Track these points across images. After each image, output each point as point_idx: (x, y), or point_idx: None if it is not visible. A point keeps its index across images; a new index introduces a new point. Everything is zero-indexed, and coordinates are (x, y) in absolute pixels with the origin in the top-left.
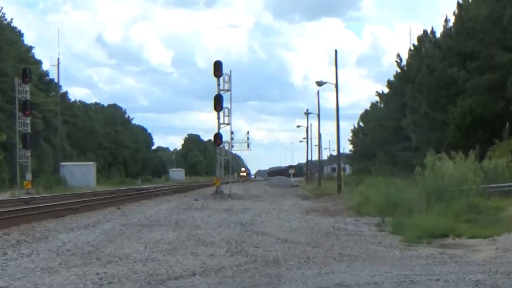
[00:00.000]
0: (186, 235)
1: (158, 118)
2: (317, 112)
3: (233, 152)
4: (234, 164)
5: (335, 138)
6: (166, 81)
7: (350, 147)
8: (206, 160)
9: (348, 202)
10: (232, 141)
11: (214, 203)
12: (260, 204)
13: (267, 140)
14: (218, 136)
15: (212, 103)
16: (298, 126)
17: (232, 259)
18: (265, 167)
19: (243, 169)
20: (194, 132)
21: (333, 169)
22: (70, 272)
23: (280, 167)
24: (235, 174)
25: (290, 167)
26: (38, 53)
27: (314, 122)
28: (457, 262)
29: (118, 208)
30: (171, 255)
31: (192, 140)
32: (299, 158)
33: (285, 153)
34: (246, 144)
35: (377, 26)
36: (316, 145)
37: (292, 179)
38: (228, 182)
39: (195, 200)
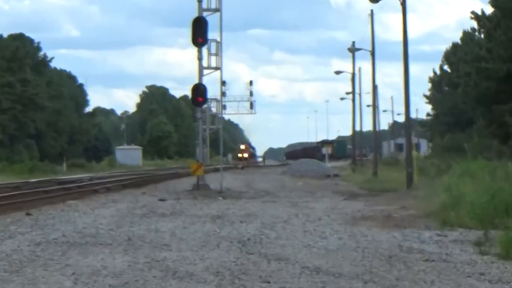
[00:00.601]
0: (145, 261)
1: (96, 58)
2: (370, 49)
3: (226, 117)
4: (228, 139)
5: (402, 94)
6: None
7: (428, 108)
8: (179, 131)
9: (425, 203)
10: (224, 99)
11: (194, 206)
12: (273, 207)
13: (284, 97)
14: (199, 90)
15: (189, 32)
16: (337, 73)
17: None
18: (281, 143)
19: (242, 146)
20: (158, 83)
21: (399, 147)
22: None
23: (307, 143)
24: (230, 156)
25: (324, 143)
26: None
27: (364, 65)
28: None
29: (28, 215)
30: None
31: (155, 97)
32: (340, 128)
33: (315, 119)
34: (248, 104)
35: None
36: (368, 106)
37: (328, 164)
38: (218, 170)
39: (161, 200)
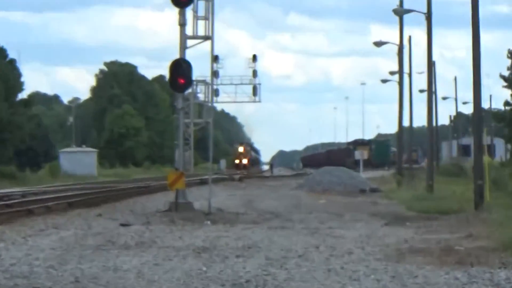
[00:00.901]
0: None
1: (35, 23)
2: (425, 10)
3: (219, 106)
4: (221, 138)
5: (470, 74)
6: None
7: (507, 94)
8: (152, 127)
9: (501, 230)
10: (216, 81)
11: (171, 234)
12: (283, 235)
13: (302, 79)
14: (181, 68)
15: None
16: (377, 44)
17: None
18: (297, 145)
19: (241, 148)
20: (123, 59)
21: (465, 149)
22: None
23: (334, 144)
24: (223, 162)
25: (358, 144)
26: None
27: (416, 34)
28: None
29: None
30: None
31: (118, 78)
32: (380, 122)
33: (345, 110)
34: (250, 88)
35: None
36: (422, 91)
37: (363, 174)
38: (205, 182)
39: (123, 225)
